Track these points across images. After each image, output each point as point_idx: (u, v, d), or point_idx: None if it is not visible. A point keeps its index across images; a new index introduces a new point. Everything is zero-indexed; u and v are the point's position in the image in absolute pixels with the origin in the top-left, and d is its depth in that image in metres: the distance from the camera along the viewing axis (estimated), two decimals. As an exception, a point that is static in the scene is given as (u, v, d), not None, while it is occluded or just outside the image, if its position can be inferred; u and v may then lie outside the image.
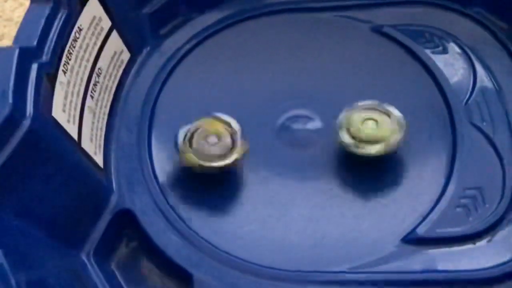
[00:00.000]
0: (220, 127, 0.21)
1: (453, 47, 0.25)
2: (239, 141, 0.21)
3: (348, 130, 0.21)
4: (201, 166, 0.20)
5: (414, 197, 0.21)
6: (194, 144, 0.21)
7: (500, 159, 0.21)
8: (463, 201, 0.21)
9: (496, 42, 0.25)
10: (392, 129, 0.21)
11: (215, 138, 0.21)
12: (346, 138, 0.21)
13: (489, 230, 0.20)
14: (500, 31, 0.25)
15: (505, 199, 0.20)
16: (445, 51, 0.25)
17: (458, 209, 0.20)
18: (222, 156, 0.20)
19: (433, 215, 0.20)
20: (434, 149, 0.22)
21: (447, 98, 0.23)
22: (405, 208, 0.21)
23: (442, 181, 0.21)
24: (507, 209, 0.20)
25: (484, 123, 0.22)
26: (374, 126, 0.21)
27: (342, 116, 0.21)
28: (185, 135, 0.21)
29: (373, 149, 0.20)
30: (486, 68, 0.24)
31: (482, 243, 0.20)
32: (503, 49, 0.24)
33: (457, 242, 0.20)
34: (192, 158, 0.20)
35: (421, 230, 0.20)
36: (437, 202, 0.21)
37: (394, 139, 0.20)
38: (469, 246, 0.20)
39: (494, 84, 0.23)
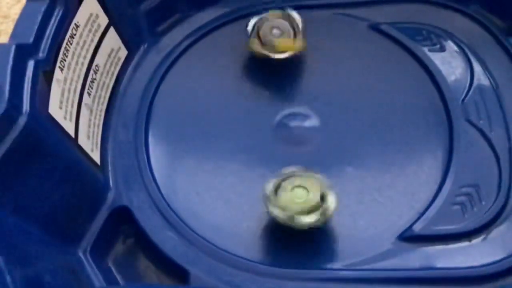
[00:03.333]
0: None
1: (450, 45, 0.25)
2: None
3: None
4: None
5: (410, 195, 0.21)
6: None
7: (497, 156, 0.21)
8: (459, 198, 0.21)
9: (493, 40, 0.25)
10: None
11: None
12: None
13: (485, 227, 0.20)
14: (497, 29, 0.25)
15: (500, 197, 0.20)
16: (442, 49, 0.25)
17: (455, 207, 0.20)
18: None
19: (430, 213, 0.20)
20: (431, 147, 0.22)
21: (444, 96, 0.23)
22: (401, 206, 0.21)
23: (438, 178, 0.21)
24: (503, 206, 0.20)
25: (481, 121, 0.22)
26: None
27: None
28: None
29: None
30: (483, 66, 0.24)
31: (478, 240, 0.20)
32: (500, 47, 0.24)
33: (453, 239, 0.20)
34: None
35: (417, 228, 0.20)
36: (434, 200, 0.21)
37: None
38: (465, 243, 0.20)
39: (491, 82, 0.23)
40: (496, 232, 0.20)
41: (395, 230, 0.20)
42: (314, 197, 0.19)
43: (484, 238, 0.20)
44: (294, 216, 0.19)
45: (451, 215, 0.20)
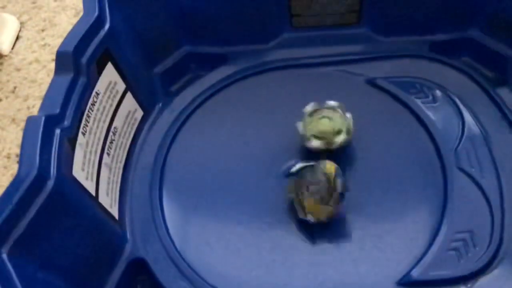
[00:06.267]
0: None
1: (442, 97, 0.26)
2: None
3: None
4: None
5: (408, 241, 0.22)
6: None
7: (488, 202, 0.22)
8: (454, 244, 0.22)
9: (482, 91, 0.26)
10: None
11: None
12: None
13: (480, 272, 0.21)
14: (486, 80, 0.26)
15: (494, 242, 0.21)
16: (434, 100, 0.26)
17: (450, 252, 0.21)
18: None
19: (427, 258, 0.21)
20: (426, 194, 0.23)
21: (438, 146, 0.24)
22: (400, 252, 0.22)
23: (434, 224, 0.22)
24: (496, 251, 0.21)
25: (473, 169, 0.23)
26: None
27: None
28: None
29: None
30: (474, 116, 0.25)
31: (474, 285, 0.21)
32: (488, 97, 0.26)
33: (450, 284, 0.21)
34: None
35: (415, 273, 0.21)
36: (430, 245, 0.22)
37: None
38: (461, 288, 0.21)
39: (481, 131, 0.25)
40: (491, 276, 0.21)
41: (395, 276, 0.21)
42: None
43: (480, 283, 0.21)
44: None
45: (447, 260, 0.21)
